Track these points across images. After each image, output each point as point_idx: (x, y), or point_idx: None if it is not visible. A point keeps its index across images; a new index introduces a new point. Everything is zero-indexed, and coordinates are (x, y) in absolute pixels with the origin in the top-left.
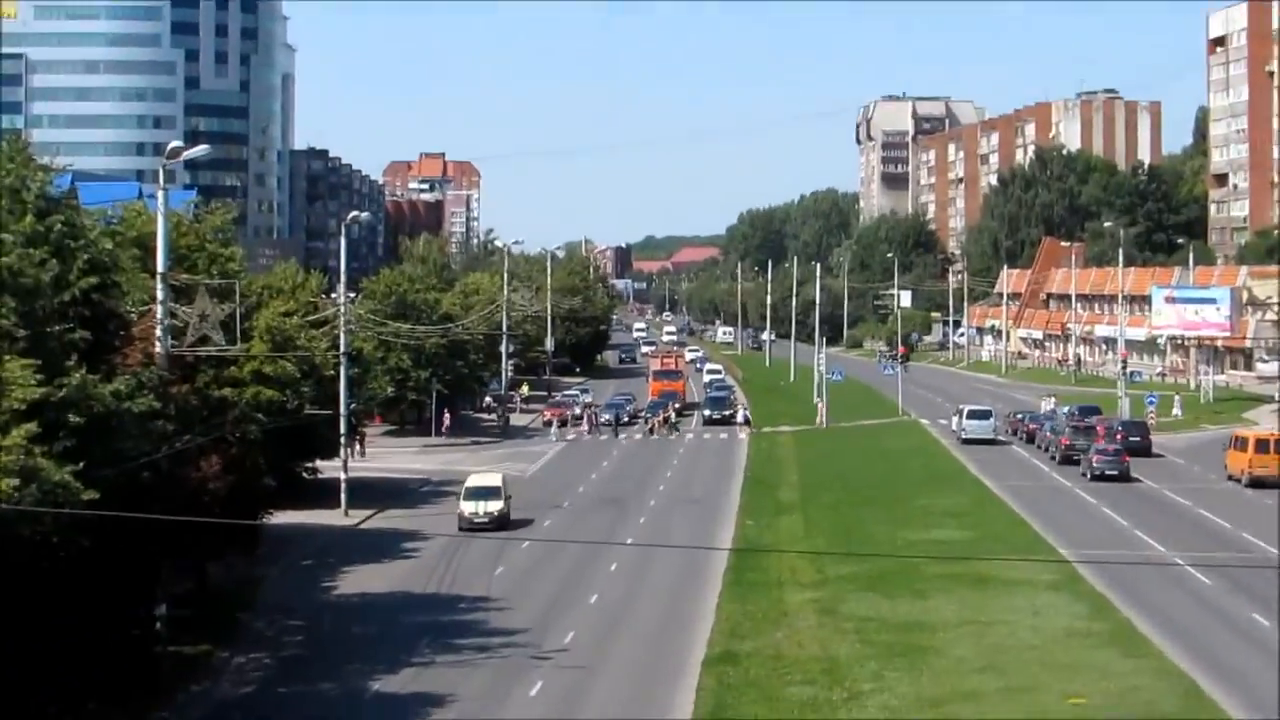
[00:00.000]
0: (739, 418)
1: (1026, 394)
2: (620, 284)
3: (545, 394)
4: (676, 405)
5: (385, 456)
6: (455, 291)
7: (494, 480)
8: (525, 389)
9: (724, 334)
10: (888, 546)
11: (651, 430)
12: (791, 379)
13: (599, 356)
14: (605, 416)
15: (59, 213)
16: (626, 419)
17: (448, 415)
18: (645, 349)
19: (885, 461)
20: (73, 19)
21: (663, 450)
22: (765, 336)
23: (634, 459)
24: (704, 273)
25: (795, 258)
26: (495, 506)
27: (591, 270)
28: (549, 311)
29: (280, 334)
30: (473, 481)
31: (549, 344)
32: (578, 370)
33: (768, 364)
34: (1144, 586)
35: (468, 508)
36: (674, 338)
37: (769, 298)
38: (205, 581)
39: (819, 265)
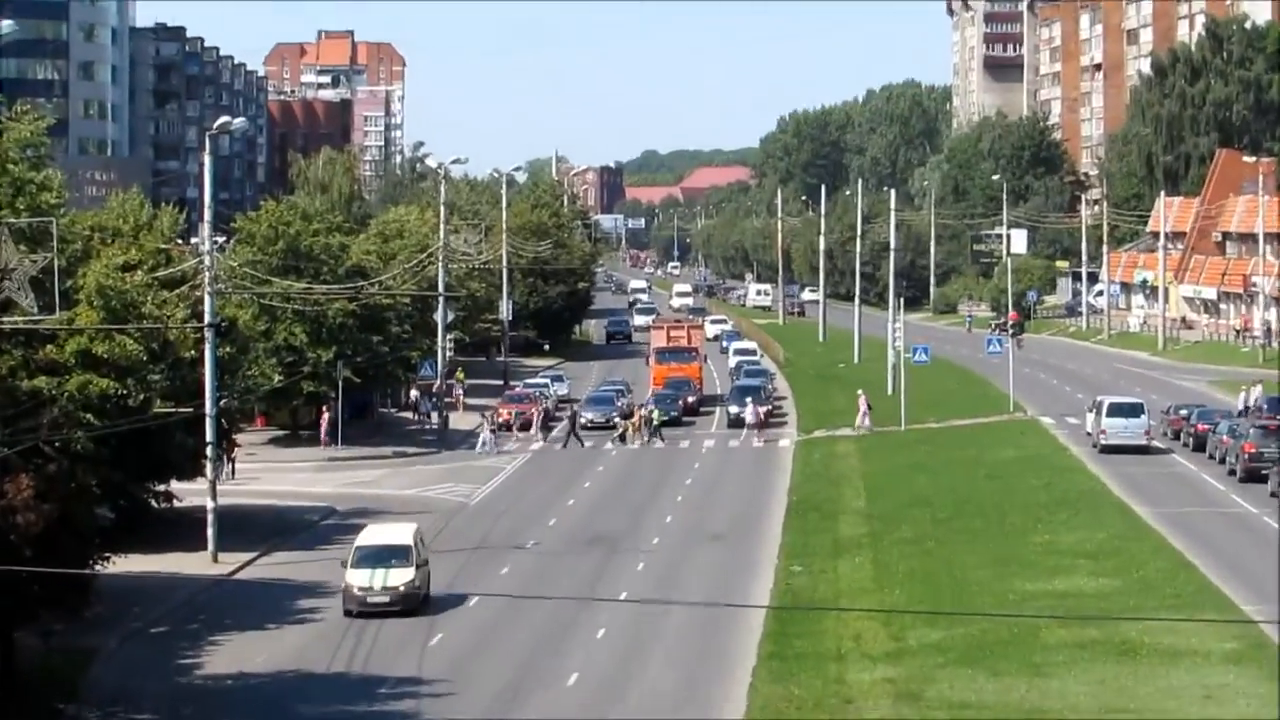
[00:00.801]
0: (747, 413)
1: (1195, 379)
2: (608, 221)
3: (502, 383)
4: (691, 398)
5: (271, 475)
6: (371, 234)
7: (401, 536)
8: (461, 375)
9: (758, 294)
10: (993, 602)
11: (623, 436)
12: (855, 359)
13: (578, 329)
14: (563, 422)
15: None
16: (602, 422)
17: (354, 414)
18: (644, 318)
19: (989, 479)
20: None
21: (669, 463)
22: (813, 296)
23: (629, 476)
24: (729, 204)
25: (860, 181)
26: (402, 577)
27: (566, 201)
28: (505, 263)
29: (118, 297)
30: (367, 539)
31: (505, 310)
32: (547, 348)
33: (821, 337)
34: None
35: (358, 579)
36: (687, 300)
37: (822, 239)
38: (11, 656)
39: (893, 192)
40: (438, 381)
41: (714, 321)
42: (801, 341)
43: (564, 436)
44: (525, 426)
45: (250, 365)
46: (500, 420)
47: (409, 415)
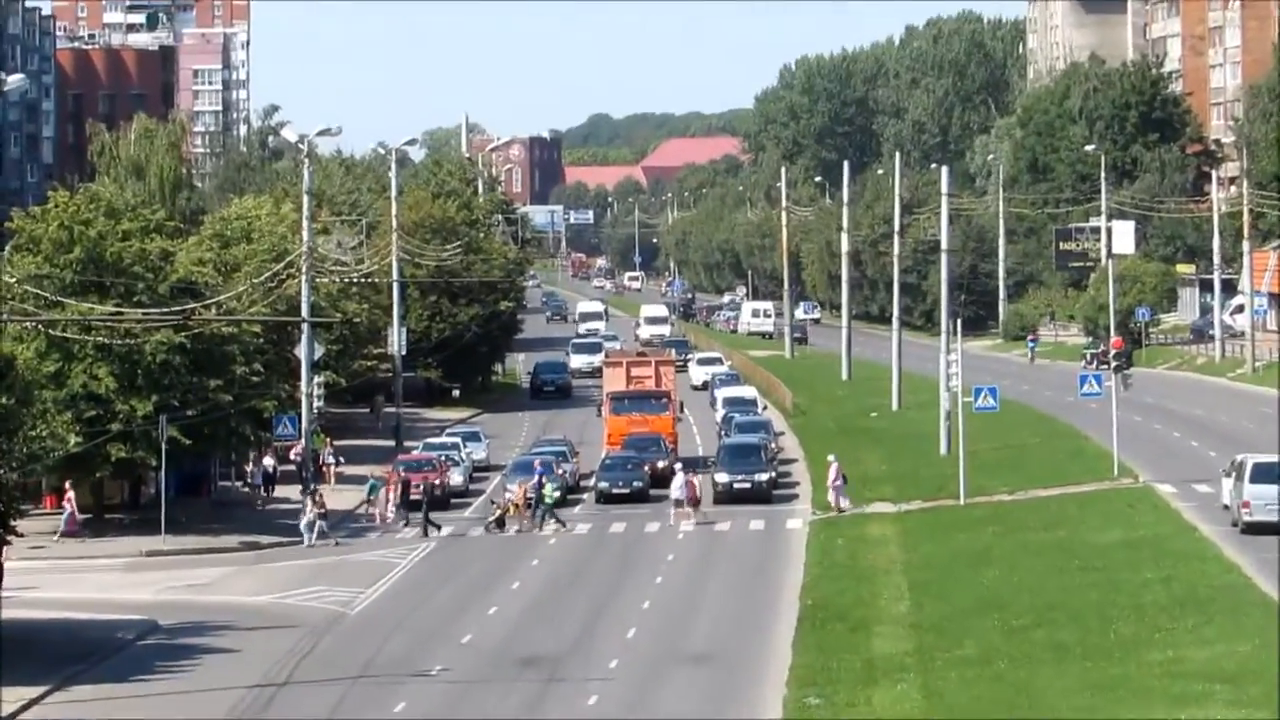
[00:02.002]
0: (675, 488)
1: None
2: (542, 214)
3: (394, 444)
4: (660, 463)
5: (64, 578)
6: (205, 235)
7: None
8: (323, 439)
9: (755, 315)
10: None
11: (500, 521)
12: (893, 404)
13: (501, 367)
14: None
15: None
16: (498, 510)
17: (183, 488)
18: (585, 358)
19: (1085, 571)
20: None
21: (632, 555)
22: (809, 315)
23: (575, 574)
24: (711, 189)
25: (898, 155)
26: None
27: (482, 187)
28: (396, 274)
29: None
30: None
31: (396, 341)
32: (457, 394)
33: (845, 375)
34: None
35: None
36: (661, 330)
37: (845, 238)
38: None
39: (945, 170)
40: (300, 442)
41: (704, 361)
42: (817, 382)
43: (422, 522)
44: (414, 505)
45: (36, 423)
46: (387, 500)
47: (261, 487)
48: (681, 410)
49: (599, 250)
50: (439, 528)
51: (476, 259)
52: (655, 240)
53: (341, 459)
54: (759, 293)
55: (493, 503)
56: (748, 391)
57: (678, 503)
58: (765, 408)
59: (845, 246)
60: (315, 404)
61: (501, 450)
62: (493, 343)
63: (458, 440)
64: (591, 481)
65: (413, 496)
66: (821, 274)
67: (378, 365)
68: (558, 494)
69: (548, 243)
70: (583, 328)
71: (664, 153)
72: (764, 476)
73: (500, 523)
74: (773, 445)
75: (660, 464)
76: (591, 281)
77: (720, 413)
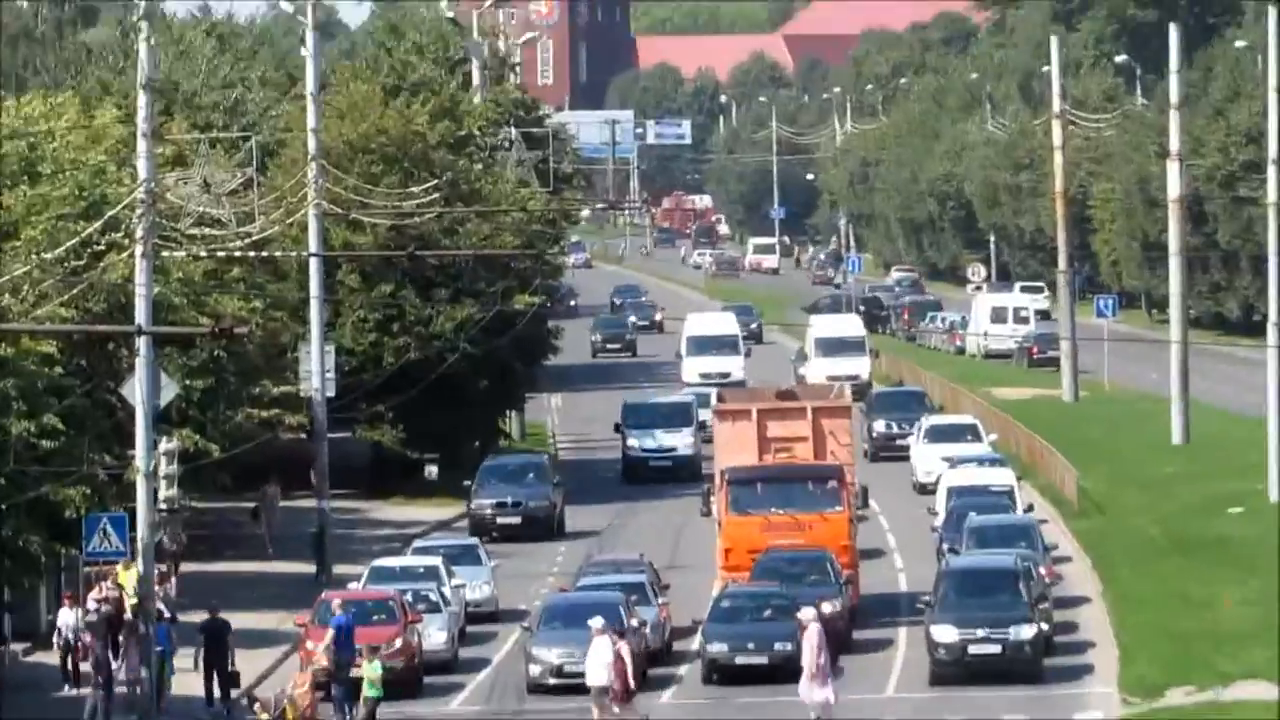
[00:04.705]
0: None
1: None
2: (593, 127)
3: (315, 571)
4: (830, 606)
5: None
6: None
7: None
8: (125, 572)
9: (1001, 321)
10: None
11: None
12: (1275, 490)
13: (513, 421)
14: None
15: None
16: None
17: None
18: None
19: None
20: None
21: None
22: (1156, 324)
23: None
24: (920, 77)
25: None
26: None
27: (479, 76)
28: (318, 245)
29: None
30: None
31: (315, 374)
32: (430, 472)
33: (1178, 432)
34: None
35: None
36: (857, 361)
37: (1175, 170)
38: None
39: None
40: (112, 581)
41: (940, 433)
42: (1124, 448)
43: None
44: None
45: None
46: (294, 689)
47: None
48: (863, 501)
49: (699, 191)
50: None
51: (470, 216)
52: (812, 177)
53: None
54: (1006, 273)
55: (251, 701)
56: (996, 475)
57: (601, 692)
58: (1027, 503)
59: (1174, 187)
60: (163, 493)
61: (519, 582)
62: (501, 376)
63: (436, 564)
64: (694, 643)
65: (351, 672)
66: (1130, 242)
67: (281, 419)
68: (377, 690)
69: (603, 181)
70: (693, 368)
71: (823, 11)
72: (1025, 633)
73: None
74: (1043, 572)
75: (827, 606)
76: (688, 253)
77: (942, 509)
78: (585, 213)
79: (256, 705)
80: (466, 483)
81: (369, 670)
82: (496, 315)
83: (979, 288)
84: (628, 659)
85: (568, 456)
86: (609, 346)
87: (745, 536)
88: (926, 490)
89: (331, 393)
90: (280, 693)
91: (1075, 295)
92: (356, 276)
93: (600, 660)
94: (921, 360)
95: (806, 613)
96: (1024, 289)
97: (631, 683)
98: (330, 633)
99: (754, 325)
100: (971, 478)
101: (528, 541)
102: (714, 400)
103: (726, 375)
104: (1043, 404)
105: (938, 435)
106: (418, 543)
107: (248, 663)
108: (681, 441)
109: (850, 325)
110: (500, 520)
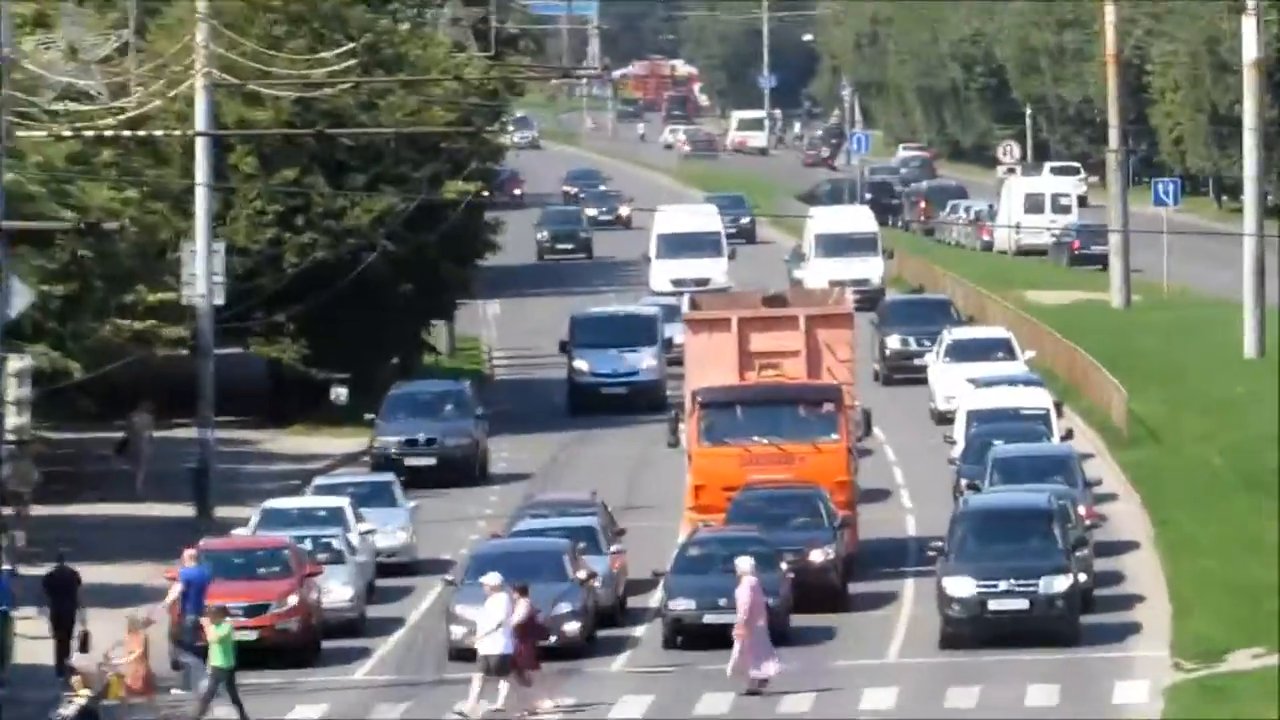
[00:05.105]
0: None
1: None
2: None
3: (194, 515)
4: (824, 551)
5: None
6: None
7: None
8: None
9: (1035, 210)
10: None
11: (89, 715)
12: None
13: (442, 333)
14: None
15: None
16: (71, 700)
17: None
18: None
19: None
20: None
21: None
22: (1227, 214)
23: None
24: None
25: None
26: None
27: None
28: (206, 122)
29: None
30: None
31: (200, 278)
32: (339, 395)
33: (1253, 345)
34: None
35: None
36: (867, 262)
37: (1250, 25)
38: None
39: None
40: None
41: (966, 348)
42: (1183, 362)
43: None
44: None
45: None
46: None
47: None
48: (866, 428)
49: (674, 56)
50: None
51: (393, 86)
52: (810, 38)
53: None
54: (1047, 152)
55: (68, 672)
56: (1028, 397)
57: (490, 668)
58: (1066, 429)
59: (1250, 48)
60: (11, 421)
61: (443, 528)
62: (428, 279)
63: (342, 505)
64: (654, 599)
65: (210, 633)
66: (1196, 115)
67: (158, 332)
68: (225, 654)
69: (556, 44)
70: (664, 273)
71: None
72: (1059, 585)
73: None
74: (1082, 512)
75: (818, 554)
76: (648, 132)
77: (961, 438)
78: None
79: (76, 678)
80: (369, 416)
81: (214, 634)
82: (423, 206)
83: (1012, 170)
84: (530, 612)
85: (506, 376)
86: (559, 246)
87: (720, 471)
88: (946, 419)
89: (220, 300)
90: (105, 661)
91: (1129, 179)
92: (253, 160)
93: (494, 622)
94: (941, 259)
95: (743, 563)
96: (1056, 170)
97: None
98: (176, 588)
99: (745, 220)
100: (997, 400)
101: (442, 487)
102: (685, 307)
103: (705, 282)
104: (1087, 310)
105: (962, 352)
106: (320, 480)
107: (106, 623)
108: (642, 363)
109: (859, 218)
110: (409, 462)
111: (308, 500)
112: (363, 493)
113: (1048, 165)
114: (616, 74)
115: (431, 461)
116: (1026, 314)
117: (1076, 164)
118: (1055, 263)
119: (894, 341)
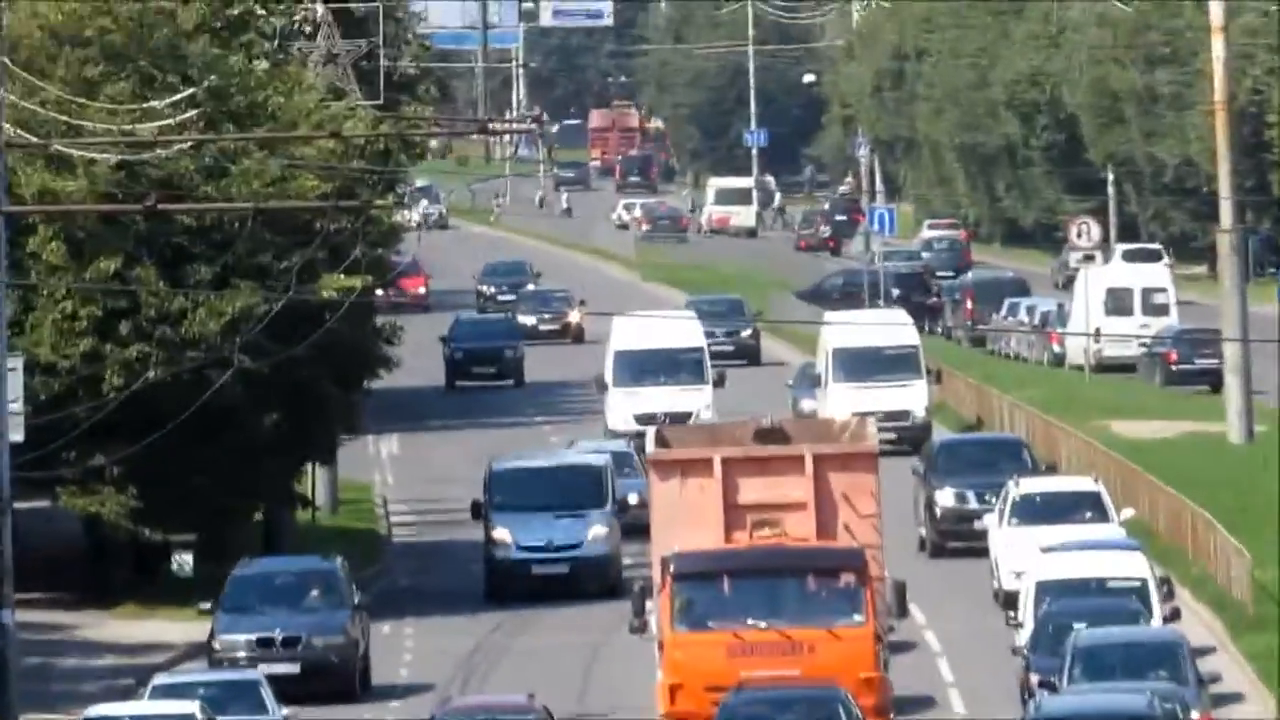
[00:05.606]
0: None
1: None
2: (450, 18)
3: None
4: None
5: None
6: None
7: None
8: None
9: (1121, 313)
10: None
11: None
12: None
13: (323, 475)
14: None
15: None
16: None
17: None
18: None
19: None
20: None
21: None
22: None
23: None
24: None
25: None
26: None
27: None
28: None
29: None
30: None
31: None
32: (179, 563)
33: None
34: None
35: None
36: (907, 388)
37: None
38: None
39: None
40: None
41: (1039, 508)
42: None
43: None
44: None
45: None
46: None
47: None
48: (900, 608)
49: (635, 105)
50: None
51: (249, 145)
52: (812, 79)
53: None
54: (1136, 234)
55: None
56: (1118, 563)
57: None
58: (1171, 608)
59: None
60: None
61: None
62: (300, 408)
63: (193, 711)
64: None
65: None
66: None
67: None
68: None
69: (468, 88)
70: (624, 407)
71: None
72: None
73: None
74: (1196, 718)
75: None
76: (613, 206)
77: (1028, 619)
78: (435, 142)
79: None
80: (204, 605)
81: None
82: (291, 308)
83: (1089, 257)
84: None
85: (407, 538)
86: (475, 370)
87: (702, 665)
88: (1014, 602)
89: (19, 437)
90: None
91: (1247, 268)
92: (60, 246)
93: None
94: (999, 378)
95: None
96: (1129, 256)
97: None
98: None
99: (745, 332)
100: (1077, 568)
101: (310, 703)
102: (649, 444)
103: (684, 418)
104: (1194, 447)
105: (1035, 512)
106: (160, 679)
107: None
108: (588, 532)
109: (892, 327)
110: (263, 669)
111: (145, 706)
112: (219, 696)
113: (1118, 249)
114: (554, 127)
115: (294, 669)
116: (1113, 452)
117: (1158, 246)
118: (1146, 381)
119: (946, 497)
